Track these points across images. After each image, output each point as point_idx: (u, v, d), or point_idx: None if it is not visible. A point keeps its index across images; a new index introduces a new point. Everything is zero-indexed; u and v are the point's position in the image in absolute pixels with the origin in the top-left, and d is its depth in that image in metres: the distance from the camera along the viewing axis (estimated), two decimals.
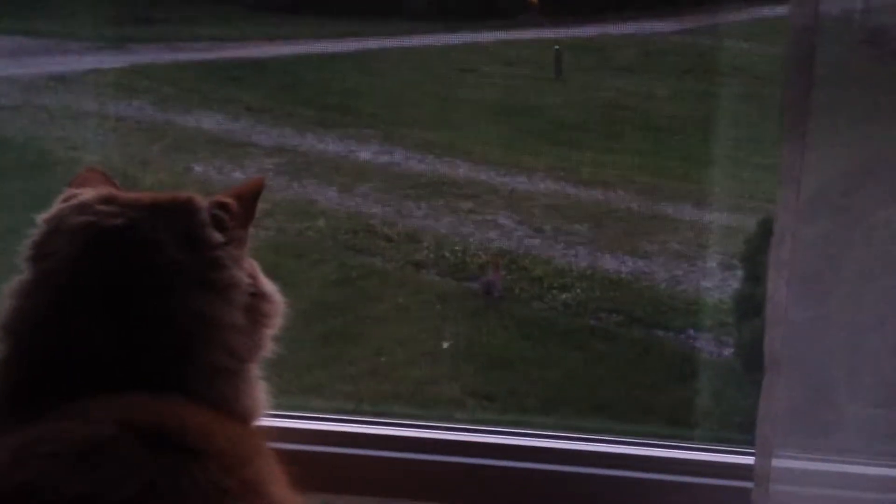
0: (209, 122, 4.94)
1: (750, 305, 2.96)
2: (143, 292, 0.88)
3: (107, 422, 0.79)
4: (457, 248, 3.94)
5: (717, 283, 3.68)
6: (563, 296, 3.66)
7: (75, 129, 4.80)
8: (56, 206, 0.97)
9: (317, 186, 4.45)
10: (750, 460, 1.04)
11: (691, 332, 3.44)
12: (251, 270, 0.99)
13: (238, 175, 4.60)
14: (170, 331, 0.88)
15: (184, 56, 5.44)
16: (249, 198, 1.01)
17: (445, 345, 3.51)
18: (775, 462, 0.95)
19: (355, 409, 2.78)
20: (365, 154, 4.70)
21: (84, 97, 4.95)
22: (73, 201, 0.96)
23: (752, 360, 2.94)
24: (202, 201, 0.96)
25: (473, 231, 4.07)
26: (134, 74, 5.10)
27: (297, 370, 3.21)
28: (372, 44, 5.53)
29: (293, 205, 4.29)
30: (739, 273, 3.50)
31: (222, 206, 0.97)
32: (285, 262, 4.11)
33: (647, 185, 4.28)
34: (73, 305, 0.89)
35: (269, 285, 1.01)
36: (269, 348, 1.00)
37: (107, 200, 0.94)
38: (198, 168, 4.61)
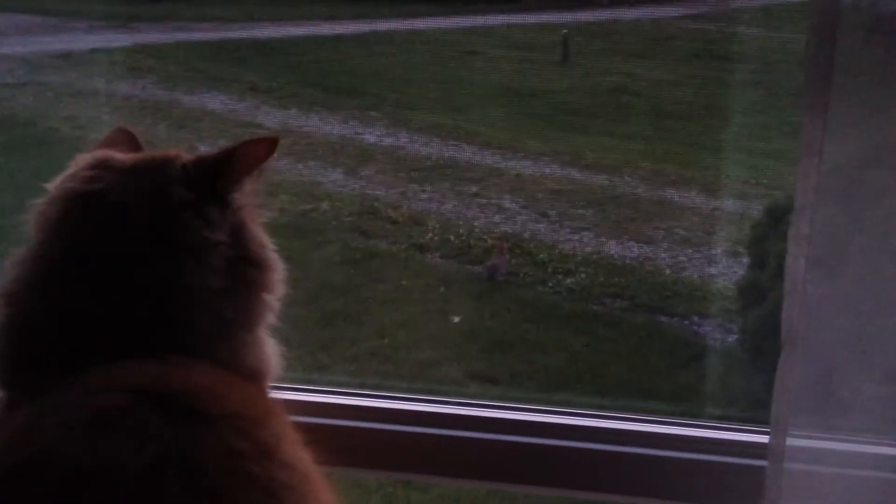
0: (214, 101, 4.93)
1: (755, 292, 2.96)
2: (117, 259, 0.87)
3: (118, 390, 0.78)
4: (461, 231, 3.93)
5: (721, 270, 3.68)
6: (568, 280, 3.65)
7: (80, 108, 4.79)
8: (71, 165, 0.96)
9: (321, 168, 4.44)
10: (762, 438, 1.04)
11: (695, 318, 3.44)
12: (242, 232, 0.94)
13: None
14: (147, 298, 0.86)
15: (189, 36, 5.42)
16: (247, 156, 0.93)
17: (456, 319, 3.52)
18: (790, 440, 0.94)
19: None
20: (370, 136, 4.69)
21: (90, 76, 4.94)
22: (73, 167, 0.95)
23: (756, 346, 2.94)
24: (182, 158, 0.92)
25: (478, 214, 4.07)
26: (140, 54, 5.09)
27: (300, 351, 3.22)
28: (378, 26, 5.52)
29: (297, 186, 4.28)
30: (744, 260, 3.50)
31: (198, 162, 0.92)
32: (289, 244, 4.09)
33: (652, 170, 4.27)
34: (61, 273, 0.88)
35: (260, 249, 0.95)
36: (273, 312, 0.96)
37: (96, 165, 0.92)
38: (203, 148, 4.60)
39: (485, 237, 3.90)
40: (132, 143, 1.00)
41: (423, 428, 1.17)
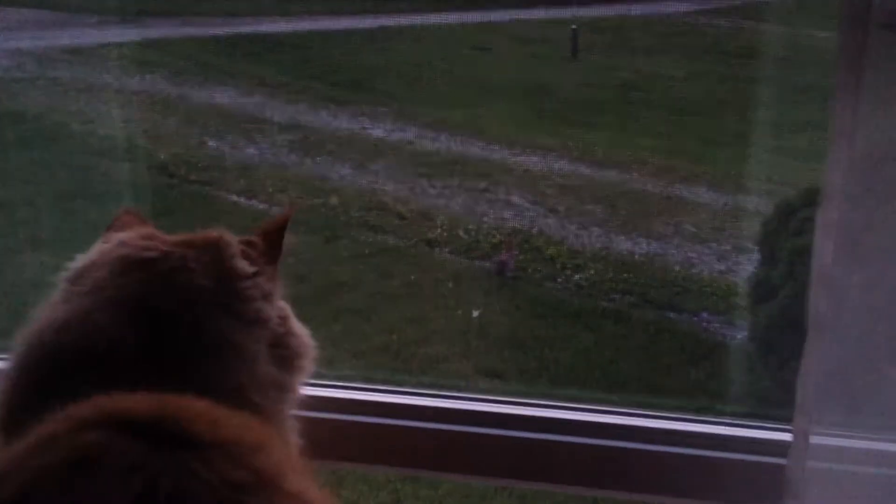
0: (223, 96, 4.93)
1: (765, 288, 2.95)
2: (169, 306, 0.86)
3: (102, 420, 0.73)
4: (470, 226, 3.93)
5: (731, 266, 3.66)
6: (577, 276, 3.65)
7: (90, 102, 4.80)
8: (95, 247, 0.96)
9: (330, 163, 4.44)
10: (779, 436, 1.03)
11: (705, 314, 3.43)
12: (282, 311, 0.97)
13: (251, 151, 4.60)
14: (190, 342, 0.85)
15: (199, 31, 5.43)
16: (276, 233, 0.97)
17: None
18: (813, 438, 0.93)
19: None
20: (378, 131, 4.69)
21: (99, 70, 4.94)
22: (113, 240, 0.95)
23: (766, 343, 2.93)
24: (232, 238, 0.95)
25: (487, 210, 4.06)
26: (149, 48, 5.10)
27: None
28: (387, 21, 5.51)
29: (306, 181, 4.28)
30: (754, 256, 3.49)
31: (249, 243, 0.95)
32: (298, 239, 4.10)
33: (661, 166, 4.26)
34: (96, 309, 0.86)
35: (299, 328, 0.98)
36: (298, 396, 0.95)
37: (145, 237, 0.94)
38: (211, 143, 4.60)
39: (494, 233, 3.90)
40: (142, 221, 1.01)
41: (432, 424, 1.17)
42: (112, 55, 4.98)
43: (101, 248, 0.93)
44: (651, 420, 1.10)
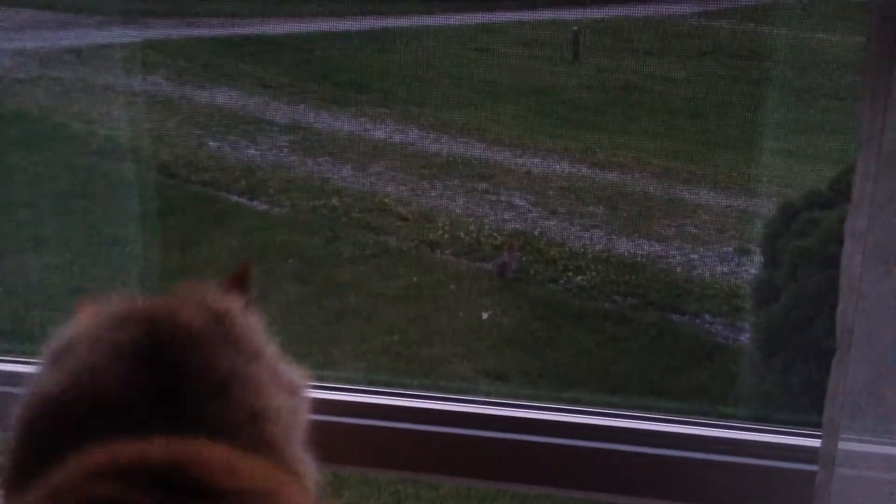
0: (224, 97, 4.93)
1: (768, 290, 2.95)
2: (169, 349, 0.84)
3: (113, 473, 0.71)
4: (471, 228, 3.93)
5: (733, 268, 3.66)
6: (578, 278, 3.64)
7: (91, 103, 4.79)
8: (74, 322, 0.94)
9: (331, 164, 4.44)
10: (810, 442, 1.02)
11: (707, 316, 3.43)
12: (274, 347, 0.97)
13: (252, 152, 4.60)
14: (196, 380, 0.83)
15: (200, 31, 5.42)
16: (240, 283, 0.96)
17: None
18: (841, 445, 0.92)
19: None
20: (379, 132, 4.69)
21: (100, 71, 4.94)
22: (92, 311, 0.93)
23: (769, 345, 2.93)
24: (209, 284, 0.95)
25: (488, 211, 4.06)
26: (150, 49, 5.09)
27: (310, 347, 3.21)
28: (388, 22, 5.51)
29: (307, 182, 4.28)
30: (756, 258, 3.48)
31: (225, 287, 0.94)
32: (299, 239, 4.11)
33: (663, 167, 4.26)
34: (95, 363, 0.84)
35: (289, 364, 0.97)
36: (307, 425, 0.94)
37: (125, 301, 0.92)
38: (212, 143, 4.60)
39: (495, 234, 3.89)
40: (110, 298, 0.99)
41: (434, 427, 1.16)
42: (113, 55, 4.97)
43: (81, 321, 0.90)
44: (659, 424, 1.09)
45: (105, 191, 4.00)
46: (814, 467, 0.99)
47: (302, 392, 0.92)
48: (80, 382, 0.81)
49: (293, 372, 0.93)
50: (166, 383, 0.81)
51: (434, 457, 1.17)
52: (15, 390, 0.85)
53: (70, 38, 5.12)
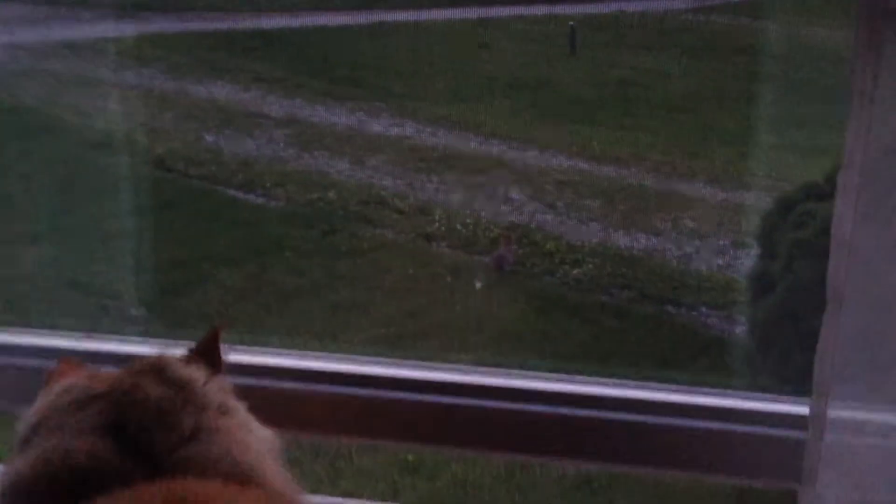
0: (221, 91, 4.92)
1: (764, 283, 2.95)
2: (136, 421, 0.87)
3: None
4: (468, 221, 3.93)
5: (729, 261, 3.66)
6: (575, 271, 3.65)
7: (86, 97, 4.79)
8: (40, 401, 0.96)
9: (328, 158, 4.44)
10: (795, 409, 1.01)
11: (703, 309, 3.43)
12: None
13: (249, 145, 4.60)
14: (168, 435, 0.85)
15: (196, 25, 5.41)
16: (210, 348, 0.99)
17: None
18: (831, 411, 0.90)
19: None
20: (376, 126, 4.68)
21: (96, 64, 4.93)
22: (57, 389, 0.95)
23: (765, 337, 2.93)
24: (171, 356, 0.96)
25: (485, 205, 4.06)
26: (146, 43, 5.08)
27: (307, 339, 3.22)
28: (386, 16, 5.50)
29: (304, 176, 4.28)
30: (752, 251, 3.49)
31: (188, 359, 0.96)
32: (296, 233, 4.10)
33: (659, 161, 4.26)
34: (66, 440, 0.86)
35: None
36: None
37: (89, 378, 0.94)
38: (209, 137, 4.59)
39: (492, 227, 3.89)
40: (80, 367, 1.01)
41: (431, 396, 1.16)
42: (109, 49, 4.96)
43: (47, 400, 0.92)
44: (659, 392, 1.08)
45: (100, 184, 4.00)
46: (801, 434, 0.98)
47: (275, 450, 0.94)
48: (50, 460, 0.84)
49: (266, 430, 0.94)
50: (135, 446, 0.83)
51: (432, 427, 1.17)
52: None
53: (66, 32, 5.11)
